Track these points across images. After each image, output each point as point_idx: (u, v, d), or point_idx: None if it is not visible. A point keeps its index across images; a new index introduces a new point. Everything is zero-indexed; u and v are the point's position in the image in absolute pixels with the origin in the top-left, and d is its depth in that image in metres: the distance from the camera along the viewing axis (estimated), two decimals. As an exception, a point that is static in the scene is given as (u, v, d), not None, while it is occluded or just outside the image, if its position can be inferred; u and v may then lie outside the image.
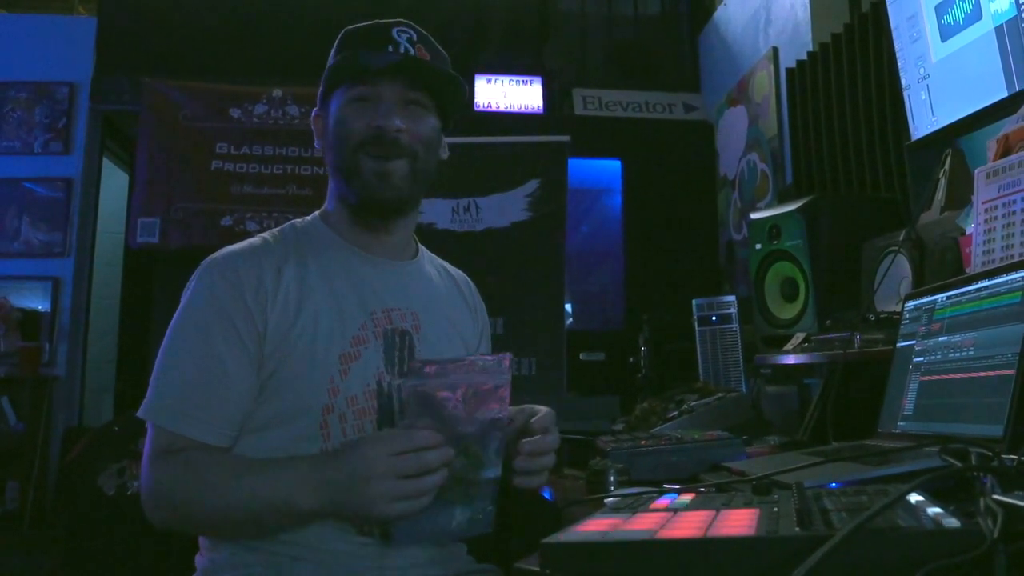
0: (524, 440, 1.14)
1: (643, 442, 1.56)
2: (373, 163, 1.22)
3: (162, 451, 1.12)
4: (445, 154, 1.35)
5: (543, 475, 1.18)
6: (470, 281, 1.48)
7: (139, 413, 1.15)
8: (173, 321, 1.18)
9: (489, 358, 1.08)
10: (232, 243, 1.27)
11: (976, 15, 1.85)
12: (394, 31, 1.25)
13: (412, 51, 1.24)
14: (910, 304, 1.47)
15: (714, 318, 2.91)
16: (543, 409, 1.20)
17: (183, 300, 1.19)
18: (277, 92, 4.74)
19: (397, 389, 1.20)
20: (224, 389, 1.13)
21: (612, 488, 1.31)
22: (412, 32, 1.27)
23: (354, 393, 1.17)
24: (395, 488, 1.01)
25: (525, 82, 4.95)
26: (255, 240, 1.26)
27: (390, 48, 1.23)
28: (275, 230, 1.30)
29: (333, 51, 1.30)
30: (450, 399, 1.04)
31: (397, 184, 1.24)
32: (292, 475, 1.06)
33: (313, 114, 1.34)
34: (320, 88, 1.30)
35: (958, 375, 1.22)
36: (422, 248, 1.41)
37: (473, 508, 1.08)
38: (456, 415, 1.04)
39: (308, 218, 1.34)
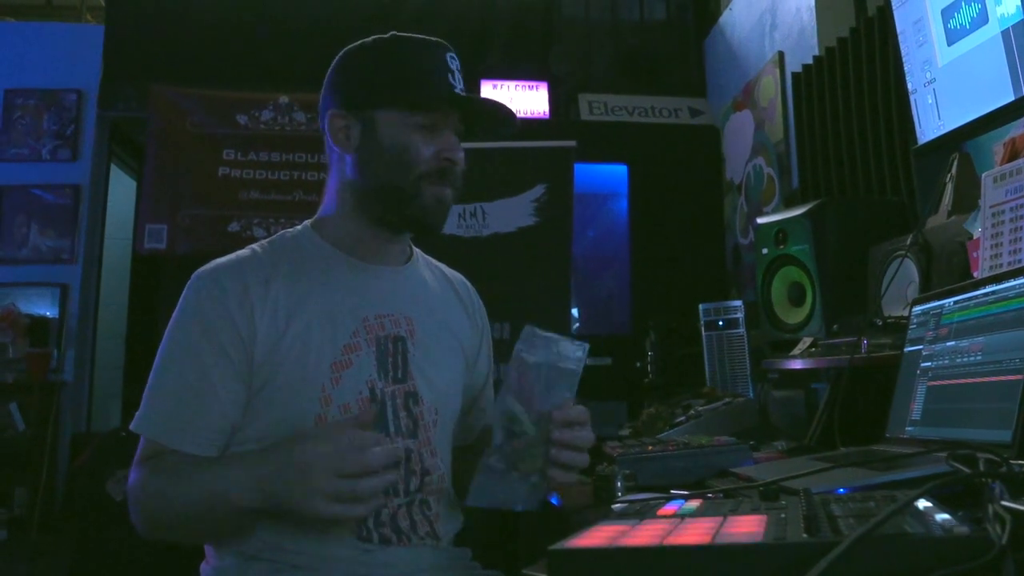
0: (558, 431, 1.11)
1: (650, 447, 1.56)
2: (436, 190, 1.23)
3: (143, 458, 1.15)
4: None
5: (574, 472, 1.16)
6: (467, 283, 1.47)
7: (131, 426, 1.17)
8: (164, 336, 1.19)
9: (574, 344, 1.13)
10: (239, 248, 1.27)
11: (983, 19, 1.84)
12: (447, 57, 1.25)
13: (461, 80, 1.25)
14: (917, 309, 1.46)
15: (721, 323, 2.91)
16: (579, 408, 1.18)
17: (174, 316, 1.20)
18: (284, 99, 4.76)
19: (391, 396, 1.20)
20: (209, 401, 1.14)
21: (619, 494, 1.30)
22: (457, 59, 1.27)
23: (347, 401, 1.17)
24: (332, 486, 0.99)
25: (531, 87, 4.96)
26: (244, 252, 1.25)
27: (451, 77, 1.24)
28: (265, 241, 1.29)
29: (382, 56, 1.25)
30: (538, 373, 1.08)
31: (447, 211, 1.27)
32: (232, 470, 1.08)
33: (331, 112, 1.26)
34: (357, 91, 1.25)
35: (966, 380, 1.22)
36: (416, 251, 1.40)
37: (539, 480, 1.10)
38: (537, 389, 1.07)
39: (299, 228, 1.32)
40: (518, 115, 1.34)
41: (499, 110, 1.29)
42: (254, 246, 1.28)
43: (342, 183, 1.28)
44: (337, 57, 1.30)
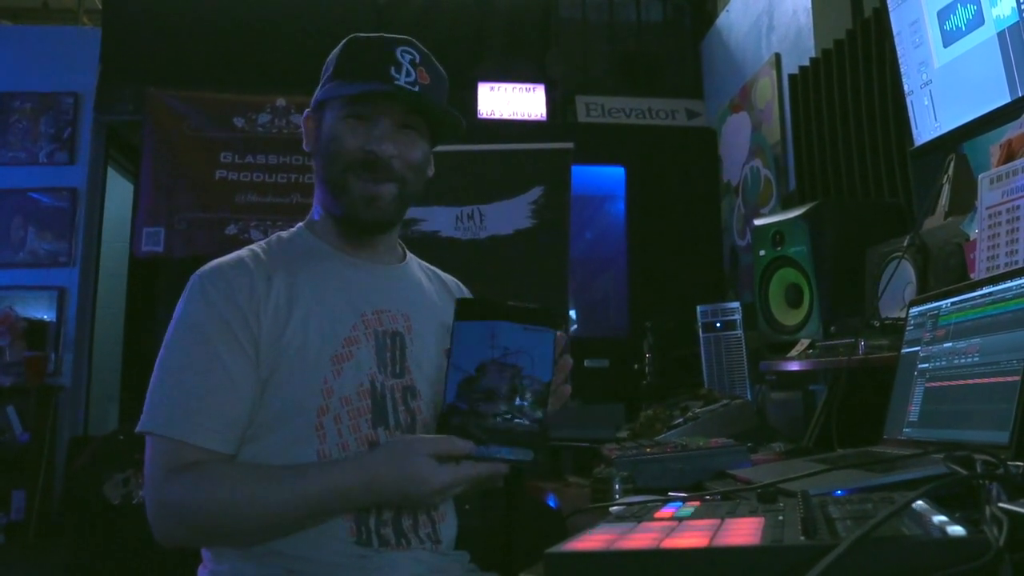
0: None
1: (648, 449, 1.56)
2: (362, 185, 1.23)
3: (172, 468, 1.10)
4: (432, 172, 1.36)
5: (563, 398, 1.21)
6: (461, 285, 1.47)
7: (139, 428, 1.13)
8: (168, 335, 1.18)
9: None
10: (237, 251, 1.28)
11: (978, 20, 1.85)
12: (398, 51, 1.24)
13: (413, 73, 1.24)
14: (914, 310, 1.46)
15: (718, 324, 2.90)
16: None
17: (177, 313, 1.19)
18: (280, 101, 4.76)
19: (391, 390, 1.21)
20: (230, 393, 1.13)
21: (617, 496, 1.30)
22: (416, 53, 1.26)
23: (348, 393, 1.17)
24: (446, 474, 1.07)
25: (528, 90, 4.95)
26: (242, 252, 1.26)
27: (393, 69, 1.23)
28: (262, 242, 1.30)
29: (335, 56, 1.29)
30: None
31: (384, 208, 1.26)
32: (344, 467, 1.11)
33: (305, 114, 1.32)
34: (317, 90, 1.29)
35: (963, 381, 1.22)
36: (409, 254, 1.42)
37: (522, 411, 1.10)
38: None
39: (293, 229, 1.34)
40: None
41: (436, 107, 1.27)
42: (252, 247, 1.28)
43: (316, 182, 1.31)
44: None
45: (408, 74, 1.23)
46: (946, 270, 1.77)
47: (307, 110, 1.31)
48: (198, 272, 1.22)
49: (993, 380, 1.13)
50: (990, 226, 1.52)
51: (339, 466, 1.12)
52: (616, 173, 4.86)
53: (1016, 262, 1.42)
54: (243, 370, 1.14)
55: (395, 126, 1.24)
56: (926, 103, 2.07)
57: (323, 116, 1.27)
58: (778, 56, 3.99)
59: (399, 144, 1.24)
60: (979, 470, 0.83)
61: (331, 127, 1.25)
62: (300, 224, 1.35)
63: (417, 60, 1.26)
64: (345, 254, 1.29)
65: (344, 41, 1.29)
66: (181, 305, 1.20)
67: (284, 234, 1.33)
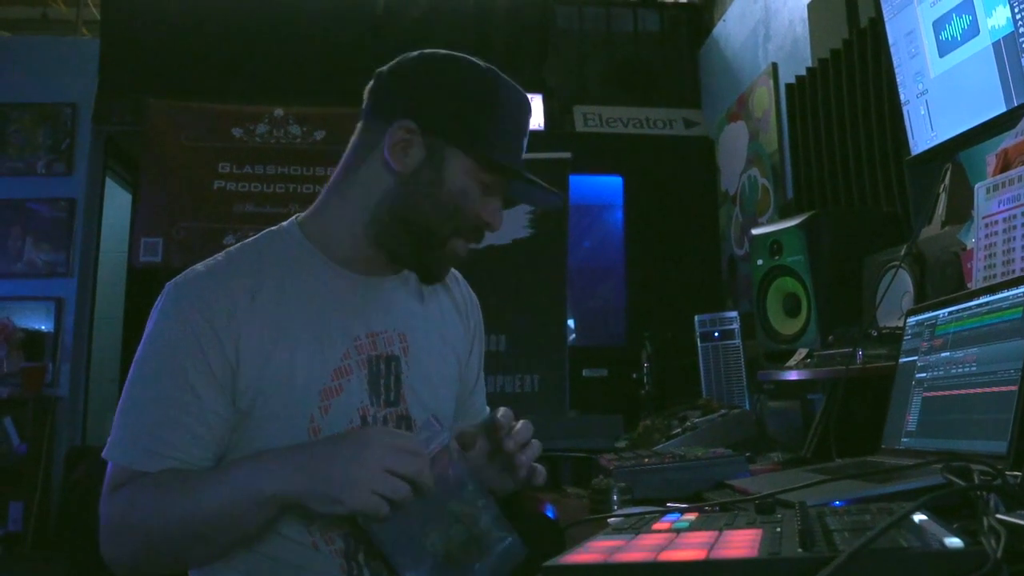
0: (506, 439, 1.11)
1: (646, 460, 1.56)
2: (461, 249, 1.18)
3: (115, 486, 1.05)
4: None
5: (541, 472, 1.17)
6: (459, 276, 1.38)
7: (105, 453, 1.07)
8: (139, 352, 1.10)
9: (421, 431, 1.07)
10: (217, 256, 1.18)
11: (974, 31, 1.85)
12: (528, 120, 1.20)
13: (525, 147, 1.21)
14: (912, 319, 1.46)
15: (717, 334, 2.91)
16: (500, 410, 1.16)
17: (149, 328, 1.11)
18: (279, 112, 4.76)
19: (383, 421, 1.15)
20: (196, 417, 1.05)
21: (615, 507, 1.30)
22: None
23: (336, 431, 1.09)
24: (380, 481, 0.97)
25: (526, 99, 4.95)
26: (221, 259, 1.16)
27: (523, 144, 1.19)
28: (248, 241, 1.19)
29: (480, 95, 1.14)
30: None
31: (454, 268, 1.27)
32: (265, 464, 1.02)
33: (399, 124, 1.12)
34: (440, 115, 1.13)
35: (961, 391, 1.22)
36: None
37: (493, 553, 1.07)
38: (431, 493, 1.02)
39: (284, 226, 1.21)
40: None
41: (548, 197, 1.24)
42: (231, 251, 1.18)
43: (367, 193, 1.16)
44: (417, 58, 1.17)
45: (525, 146, 1.20)
46: (943, 279, 1.77)
47: (402, 119, 1.12)
48: (173, 282, 1.13)
49: (990, 390, 1.13)
50: (987, 235, 1.52)
51: (272, 451, 1.05)
52: (614, 183, 4.87)
53: (1013, 271, 1.42)
54: (212, 394, 1.06)
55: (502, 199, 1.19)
56: (922, 112, 2.08)
57: (444, 154, 1.12)
58: (775, 66, 4.00)
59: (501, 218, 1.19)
60: (976, 481, 0.83)
61: (462, 181, 1.13)
62: (294, 219, 1.22)
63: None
64: (341, 266, 1.17)
65: (495, 83, 1.15)
66: (153, 318, 1.11)
67: (275, 231, 1.21)
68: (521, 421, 1.15)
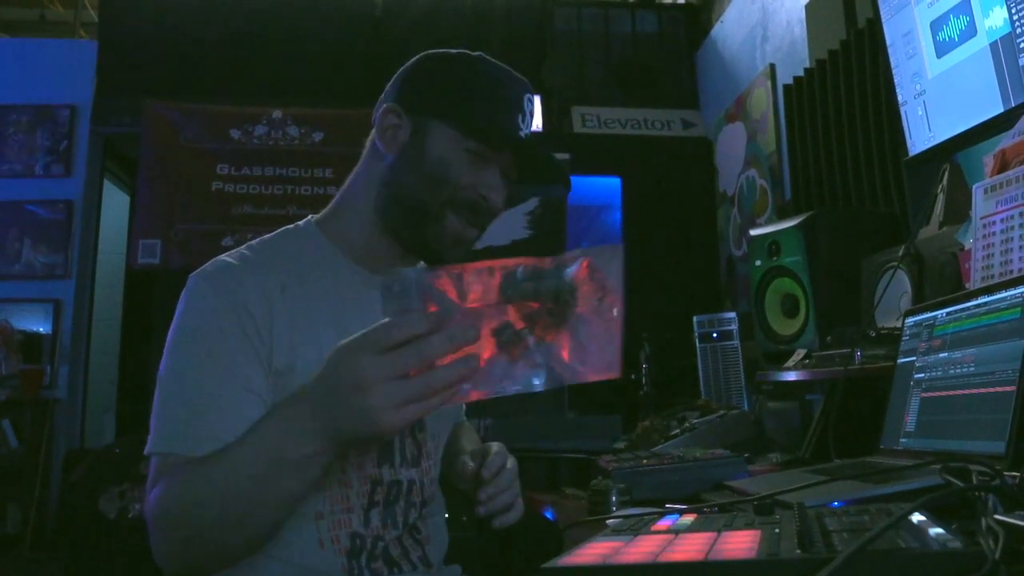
0: (481, 490, 1.18)
1: (645, 461, 1.55)
2: (459, 225, 1.15)
3: (159, 474, 1.01)
4: None
5: (515, 510, 1.22)
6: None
7: (149, 449, 1.02)
8: (170, 342, 1.06)
9: (386, 304, 0.84)
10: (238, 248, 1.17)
11: (971, 31, 1.86)
12: (526, 98, 1.18)
13: (530, 126, 1.19)
14: (910, 320, 1.46)
15: (715, 335, 2.91)
16: (493, 447, 1.21)
17: (177, 319, 1.07)
18: (277, 113, 4.76)
19: None
20: (246, 395, 1.03)
21: (614, 508, 1.30)
22: (533, 103, 1.20)
23: None
24: (399, 390, 0.82)
25: (524, 100, 4.96)
26: (246, 251, 1.14)
27: (520, 118, 1.17)
28: (267, 238, 1.19)
29: (462, 72, 1.17)
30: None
31: (466, 252, 1.17)
32: (275, 422, 0.93)
33: (386, 107, 1.17)
34: (420, 93, 1.17)
35: (959, 391, 1.22)
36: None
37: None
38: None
39: (301, 224, 1.22)
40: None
41: (551, 167, 1.22)
42: (253, 244, 1.17)
43: (370, 181, 1.18)
44: (414, 59, 1.21)
45: (528, 125, 1.18)
46: (941, 280, 1.78)
47: (389, 103, 1.17)
48: (201, 271, 1.10)
49: (988, 390, 1.13)
50: (984, 236, 1.52)
51: (277, 409, 0.97)
52: (612, 184, 4.87)
53: (1011, 272, 1.42)
54: (258, 377, 1.04)
55: (502, 175, 1.17)
56: (920, 113, 2.08)
57: (427, 129, 1.14)
58: (773, 67, 4.01)
59: (503, 196, 1.17)
60: (975, 481, 0.83)
61: (443, 150, 1.13)
62: (311, 219, 1.23)
63: (532, 110, 1.20)
64: (362, 267, 1.18)
65: (475, 60, 1.18)
66: (181, 308, 1.08)
67: (291, 231, 1.21)
68: (504, 470, 1.21)
